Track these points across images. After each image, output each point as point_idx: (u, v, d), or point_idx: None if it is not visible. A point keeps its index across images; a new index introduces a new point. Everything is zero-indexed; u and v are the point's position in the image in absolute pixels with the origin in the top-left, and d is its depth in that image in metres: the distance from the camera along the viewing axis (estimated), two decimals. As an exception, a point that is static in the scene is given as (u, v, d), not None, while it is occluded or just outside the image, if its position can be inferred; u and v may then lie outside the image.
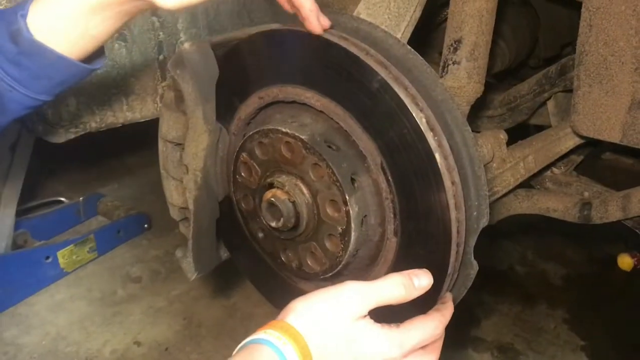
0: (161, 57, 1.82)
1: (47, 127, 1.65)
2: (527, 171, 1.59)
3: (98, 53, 1.09)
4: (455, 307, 1.07)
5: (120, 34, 1.69)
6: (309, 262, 1.23)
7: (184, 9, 0.96)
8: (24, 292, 2.51)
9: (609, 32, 1.37)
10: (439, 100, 1.05)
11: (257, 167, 1.23)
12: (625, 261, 2.72)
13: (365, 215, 1.14)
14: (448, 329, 1.00)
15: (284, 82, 1.16)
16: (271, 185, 1.18)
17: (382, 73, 1.02)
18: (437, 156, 1.00)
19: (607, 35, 1.38)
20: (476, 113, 1.92)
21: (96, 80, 1.69)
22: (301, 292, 1.36)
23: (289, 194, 1.16)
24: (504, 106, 1.86)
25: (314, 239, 1.19)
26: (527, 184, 1.71)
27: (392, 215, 1.10)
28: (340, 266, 1.17)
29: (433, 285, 1.03)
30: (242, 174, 1.27)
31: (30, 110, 1.08)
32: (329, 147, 1.12)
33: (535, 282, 2.65)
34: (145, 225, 3.03)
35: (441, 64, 1.43)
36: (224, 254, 1.51)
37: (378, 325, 0.89)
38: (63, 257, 2.61)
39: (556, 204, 1.71)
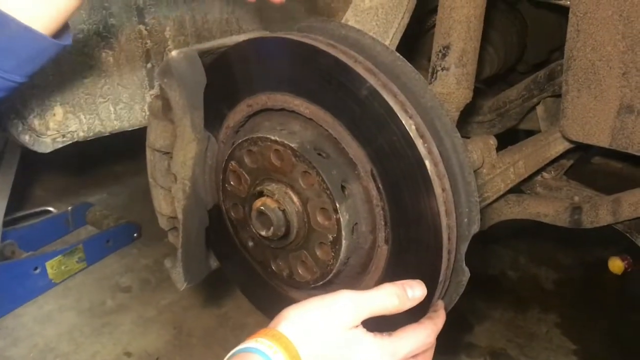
0: (149, 65, 1.81)
1: (33, 136, 1.63)
2: (517, 176, 1.59)
3: (63, 31, 1.08)
4: (448, 314, 1.07)
5: (107, 42, 1.68)
6: (299, 271, 1.22)
7: None
8: (11, 303, 2.47)
9: (597, 37, 1.38)
10: (428, 106, 1.04)
11: (246, 175, 1.22)
12: (616, 264, 2.73)
13: (356, 223, 1.13)
14: (440, 336, 0.99)
15: (272, 89, 1.16)
16: (261, 194, 1.17)
17: (371, 80, 1.01)
18: (427, 163, 0.99)
19: (595, 40, 1.38)
20: (465, 119, 1.92)
21: (83, 89, 1.67)
22: (292, 301, 1.35)
23: (278, 203, 1.15)
24: (493, 112, 1.87)
25: (304, 248, 1.18)
26: (517, 189, 1.71)
27: (382, 223, 1.09)
28: (332, 275, 1.16)
29: (422, 284, 1.02)
30: (231, 182, 1.26)
31: (3, 94, 1.04)
32: (319, 154, 1.11)
33: (527, 286, 2.66)
34: (135, 235, 3.00)
35: (430, 70, 1.43)
36: (214, 263, 1.49)
37: (370, 334, 0.88)
38: (52, 267, 2.58)
39: (547, 209, 1.71)
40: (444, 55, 1.38)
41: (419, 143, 1.00)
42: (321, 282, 1.19)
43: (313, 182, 1.10)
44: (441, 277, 1.06)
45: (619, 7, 1.30)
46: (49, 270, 2.57)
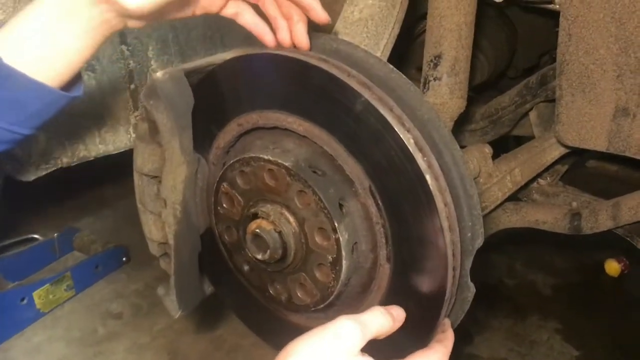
0: (132, 86, 1.77)
1: (16, 164, 1.57)
2: (514, 184, 1.57)
3: (74, 81, 1.04)
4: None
5: (88, 65, 1.63)
6: (298, 294, 1.18)
7: (153, 13, 0.92)
8: (-2, 337, 2.40)
9: (589, 41, 1.36)
10: (425, 119, 1.01)
11: (239, 197, 1.18)
12: (612, 267, 2.72)
13: (356, 242, 1.09)
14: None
15: (263, 107, 1.12)
16: (255, 216, 1.13)
17: (366, 94, 0.98)
18: (428, 177, 0.96)
19: (587, 44, 1.37)
20: (457, 127, 1.89)
21: (66, 113, 1.61)
22: (291, 325, 1.32)
23: (274, 224, 1.10)
24: (485, 119, 1.84)
25: (303, 270, 1.14)
26: (514, 197, 1.68)
27: (383, 241, 1.06)
28: (333, 297, 1.12)
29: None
30: (224, 205, 1.22)
31: (7, 146, 1.01)
32: (314, 172, 1.08)
33: (525, 293, 2.63)
34: (124, 259, 2.93)
35: (422, 80, 1.40)
36: (208, 288, 1.44)
37: None
38: (39, 297, 2.50)
39: (545, 216, 1.68)
40: (436, 65, 1.36)
41: (418, 157, 0.96)
42: (322, 305, 1.15)
43: (309, 202, 1.07)
44: (447, 295, 1.02)
45: (611, 10, 1.29)
46: (37, 300, 2.50)
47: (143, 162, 1.26)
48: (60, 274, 2.62)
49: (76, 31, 0.93)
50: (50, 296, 2.55)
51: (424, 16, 1.43)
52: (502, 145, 1.73)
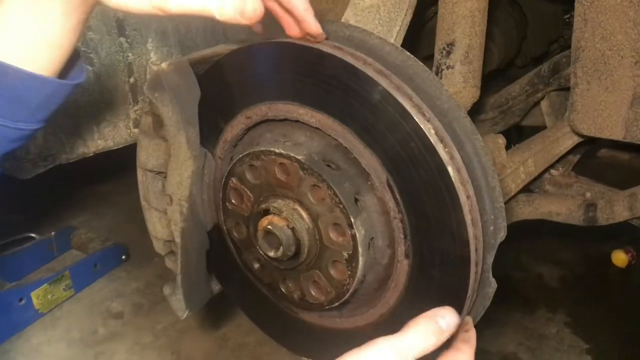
0: (132, 79, 1.71)
1: (13, 162, 1.52)
2: (528, 175, 1.53)
3: (72, 68, 0.98)
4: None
5: (86, 57, 1.57)
6: (312, 292, 1.13)
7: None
8: (-4, 338, 2.35)
9: (606, 26, 1.32)
10: (445, 108, 0.97)
11: (248, 192, 1.13)
12: (619, 258, 2.69)
13: (372, 238, 1.05)
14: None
15: (273, 98, 1.07)
16: (267, 212, 1.08)
17: (383, 83, 0.93)
18: (450, 169, 0.91)
19: (604, 29, 1.32)
20: (468, 118, 1.85)
21: (63, 108, 1.56)
22: (303, 323, 1.28)
23: (287, 220, 1.06)
24: (495, 109, 1.80)
25: (316, 267, 1.10)
26: (526, 188, 1.64)
27: (402, 236, 1.01)
28: (348, 294, 1.07)
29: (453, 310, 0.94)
30: (233, 200, 1.17)
31: (19, 143, 0.96)
32: (328, 166, 1.03)
33: (532, 286, 2.60)
34: (123, 257, 2.88)
35: (434, 69, 1.36)
36: (216, 287, 1.40)
37: None
38: (37, 297, 2.45)
39: (559, 208, 1.64)
40: (449, 53, 1.31)
41: (439, 148, 0.92)
42: (337, 303, 1.10)
43: (324, 197, 1.02)
44: (469, 292, 0.98)
45: (630, -7, 1.24)
46: (35, 301, 2.45)
47: (147, 157, 1.22)
48: (58, 273, 2.57)
49: (56, 15, 0.87)
50: (49, 296, 2.51)
51: (432, 1, 1.38)
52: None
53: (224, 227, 1.24)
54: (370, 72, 0.94)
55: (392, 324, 0.95)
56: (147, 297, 2.61)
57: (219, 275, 1.38)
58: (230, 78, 1.12)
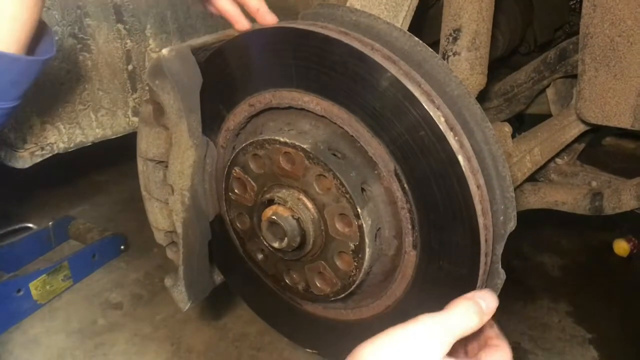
0: (130, 67, 1.68)
1: (10, 152, 1.49)
2: (534, 164, 1.50)
3: (39, 42, 0.96)
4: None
5: (83, 44, 1.54)
6: (317, 284, 1.11)
7: None
8: (-6, 329, 2.32)
9: (615, 12, 1.29)
10: (455, 95, 0.94)
11: (252, 182, 1.11)
12: (621, 246, 2.67)
13: (379, 228, 1.03)
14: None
15: (277, 86, 1.04)
16: (271, 202, 1.06)
17: (391, 69, 0.91)
18: (460, 158, 0.89)
19: (614, 15, 1.30)
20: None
21: (61, 96, 1.53)
22: (307, 315, 1.26)
23: (292, 210, 1.04)
24: (500, 97, 1.77)
25: (322, 258, 1.08)
26: (531, 177, 1.62)
27: (409, 227, 0.99)
28: (354, 286, 1.05)
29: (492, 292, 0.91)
30: (236, 190, 1.15)
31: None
32: (334, 155, 1.00)
33: (534, 275, 2.58)
34: (122, 247, 2.84)
35: (439, 55, 1.33)
36: (218, 278, 1.38)
37: None
38: (35, 288, 2.42)
39: (565, 197, 1.62)
40: (455, 39, 1.28)
41: (449, 136, 0.90)
42: (342, 294, 1.08)
43: (330, 186, 1.00)
44: (479, 283, 0.96)
45: (641, -23, 1.21)
46: (33, 291, 2.42)
47: (148, 146, 1.19)
48: (56, 263, 2.53)
49: None
50: (47, 287, 2.48)
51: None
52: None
53: (227, 218, 1.22)
54: (378, 58, 0.92)
55: (398, 315, 0.92)
56: (147, 288, 2.59)
57: (221, 266, 1.36)
58: (233, 65, 1.09)
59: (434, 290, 1.01)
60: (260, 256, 1.19)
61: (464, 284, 0.96)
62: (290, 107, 1.05)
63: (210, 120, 1.16)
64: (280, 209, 1.04)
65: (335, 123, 1.00)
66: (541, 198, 1.65)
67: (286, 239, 1.04)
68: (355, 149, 1.01)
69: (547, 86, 1.69)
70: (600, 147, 1.87)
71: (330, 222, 1.03)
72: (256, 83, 1.07)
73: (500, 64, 2.14)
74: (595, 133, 1.77)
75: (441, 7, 1.33)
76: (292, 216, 1.04)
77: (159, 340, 2.28)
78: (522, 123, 2.33)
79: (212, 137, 1.18)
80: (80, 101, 1.59)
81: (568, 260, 2.69)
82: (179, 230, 1.20)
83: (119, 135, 1.72)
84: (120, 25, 1.62)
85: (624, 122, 1.37)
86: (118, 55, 1.64)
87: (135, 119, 1.71)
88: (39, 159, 1.54)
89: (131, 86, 1.69)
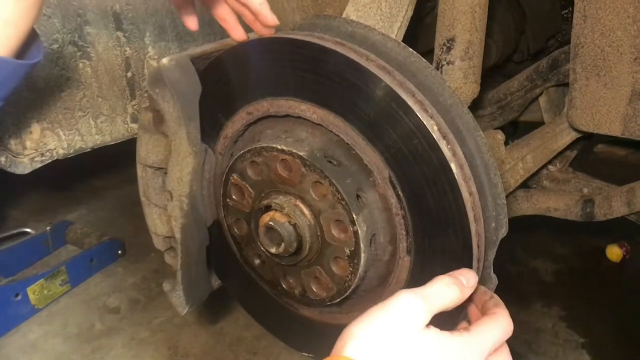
0: (129, 74, 1.70)
1: (10, 157, 1.51)
2: (526, 171, 1.53)
3: (29, 47, 0.98)
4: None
5: (83, 52, 1.56)
6: (313, 288, 1.14)
7: None
8: (-8, 334, 2.33)
9: (605, 22, 1.32)
10: (447, 104, 0.97)
11: (249, 188, 1.13)
12: (614, 252, 2.70)
13: (374, 234, 1.05)
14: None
15: (274, 94, 1.07)
16: (268, 208, 1.08)
17: (386, 79, 0.93)
18: (453, 166, 0.92)
19: (603, 26, 1.33)
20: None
21: (60, 103, 1.56)
22: (304, 319, 1.28)
23: (288, 216, 1.06)
24: (493, 104, 1.80)
25: (318, 263, 1.10)
26: (524, 184, 1.64)
27: (404, 232, 1.01)
28: (350, 291, 1.07)
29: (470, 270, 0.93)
30: (234, 196, 1.17)
31: None
32: (330, 162, 1.03)
33: (527, 280, 2.61)
34: (120, 252, 2.86)
35: (434, 64, 1.36)
36: (215, 282, 1.40)
37: (447, 332, 0.78)
38: (33, 292, 2.44)
39: (557, 203, 1.65)
40: (449, 49, 1.31)
41: (442, 145, 0.92)
42: (338, 299, 1.10)
43: (326, 193, 1.02)
44: (471, 287, 0.98)
45: (630, -10, 1.24)
46: (31, 296, 2.43)
47: (147, 153, 1.21)
48: (54, 268, 2.55)
49: None
50: (45, 291, 2.49)
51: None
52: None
53: (225, 223, 1.24)
54: (373, 68, 0.94)
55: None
56: (144, 292, 2.60)
57: (218, 271, 1.38)
58: (231, 74, 1.11)
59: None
60: (257, 261, 1.21)
61: (457, 289, 0.98)
62: (287, 115, 1.08)
63: (209, 128, 1.18)
64: (277, 215, 1.07)
65: (331, 131, 1.02)
66: (534, 204, 1.68)
67: (283, 244, 1.06)
68: (351, 157, 1.03)
69: (540, 94, 1.72)
70: (592, 154, 1.90)
71: (326, 228, 1.05)
72: (254, 92, 1.09)
73: (493, 72, 2.18)
74: (587, 140, 1.80)
75: (437, 16, 1.36)
76: (289, 222, 1.06)
77: (156, 344, 2.30)
78: (516, 130, 2.37)
79: (211, 144, 1.20)
80: (80, 108, 1.61)
81: (561, 266, 2.72)
82: (178, 235, 1.22)
83: (117, 142, 1.74)
84: (119, 33, 1.64)
85: (614, 130, 1.40)
86: (117, 63, 1.66)
87: (134, 126, 1.73)
88: (39, 165, 1.56)
89: (130, 93, 1.72)
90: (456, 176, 0.92)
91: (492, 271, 1.02)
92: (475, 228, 0.95)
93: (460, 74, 1.31)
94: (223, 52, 1.12)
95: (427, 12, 1.86)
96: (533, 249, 2.80)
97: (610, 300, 2.48)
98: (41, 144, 1.55)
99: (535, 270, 2.68)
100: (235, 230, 1.21)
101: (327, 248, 1.07)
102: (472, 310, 0.95)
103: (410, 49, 0.99)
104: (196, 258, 1.26)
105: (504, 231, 1.01)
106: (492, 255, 1.01)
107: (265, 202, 1.09)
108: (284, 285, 1.19)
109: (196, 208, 1.21)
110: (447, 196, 0.93)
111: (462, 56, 1.30)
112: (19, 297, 2.39)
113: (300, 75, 1.02)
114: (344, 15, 1.22)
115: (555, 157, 1.72)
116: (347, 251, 1.03)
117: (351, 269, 1.05)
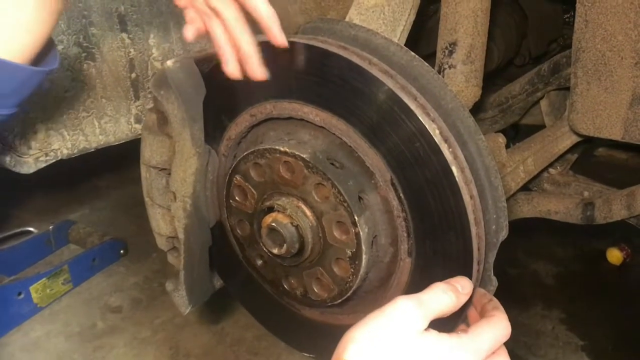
0: (133, 75, 1.71)
1: (14, 157, 1.52)
2: (527, 174, 1.54)
3: (46, 54, 0.99)
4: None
5: (88, 53, 1.57)
6: (315, 289, 1.14)
7: None
8: (-5, 332, 2.35)
9: (607, 27, 1.33)
10: (449, 108, 0.98)
11: (252, 190, 1.14)
12: (614, 255, 2.71)
13: (376, 236, 1.06)
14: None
15: (278, 97, 1.08)
16: (271, 209, 1.09)
17: (388, 82, 0.95)
18: (454, 169, 0.93)
19: (605, 30, 1.34)
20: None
21: (65, 103, 1.57)
22: (305, 320, 1.29)
23: (291, 218, 1.07)
24: (495, 108, 1.81)
25: (319, 264, 1.11)
26: (525, 187, 1.65)
27: (405, 235, 1.02)
28: (351, 292, 1.08)
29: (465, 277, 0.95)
30: (236, 198, 1.18)
31: None
32: (332, 164, 1.04)
33: (527, 283, 2.62)
34: (122, 251, 2.88)
35: (436, 68, 1.37)
36: (218, 282, 1.41)
37: (446, 334, 0.79)
38: (36, 291, 2.45)
39: (557, 206, 1.66)
40: (451, 52, 1.32)
41: (444, 148, 0.93)
42: (339, 300, 1.11)
43: (328, 195, 1.03)
44: (471, 290, 0.99)
45: (631, -5, 1.25)
46: (34, 295, 2.45)
47: (151, 154, 1.22)
48: (57, 267, 2.56)
49: (33, 1, 0.88)
50: (48, 290, 2.51)
51: (431, 0, 1.39)
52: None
53: (227, 224, 1.25)
54: (376, 72, 0.95)
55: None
56: (146, 292, 2.62)
57: (221, 272, 1.39)
58: (235, 76, 1.12)
59: (428, 296, 1.04)
60: (259, 262, 1.22)
61: (458, 291, 0.99)
62: (290, 118, 1.09)
63: (213, 129, 1.19)
64: (280, 216, 1.08)
65: (334, 133, 1.03)
66: (534, 207, 1.69)
67: (285, 245, 1.07)
68: (353, 159, 1.04)
69: (541, 98, 1.73)
70: (593, 157, 1.91)
71: (328, 230, 1.06)
72: (257, 94, 1.10)
73: (495, 76, 2.19)
74: (587, 144, 1.81)
75: (439, 20, 1.37)
76: (291, 223, 1.07)
77: (157, 343, 2.31)
78: (517, 133, 2.38)
79: (214, 145, 1.21)
80: (84, 108, 1.62)
81: (562, 268, 2.72)
82: (181, 236, 1.23)
83: (121, 142, 1.75)
84: (124, 35, 1.65)
85: (615, 134, 1.41)
86: (122, 64, 1.67)
87: (138, 126, 1.74)
88: (43, 165, 1.57)
89: (134, 94, 1.73)
90: (457, 179, 0.93)
91: (492, 273, 1.03)
92: (475, 231, 0.96)
93: (462, 77, 1.32)
94: (227, 54, 1.13)
95: (429, 16, 1.87)
96: (533, 252, 2.81)
97: (611, 303, 2.49)
98: (45, 144, 1.56)
99: (536, 272, 2.69)
100: (238, 231, 1.22)
101: (328, 249, 1.08)
102: (471, 312, 0.97)
103: (413, 53, 1.00)
104: (199, 258, 1.27)
105: (504, 234, 1.02)
106: (492, 258, 1.02)
107: (267, 203, 1.10)
108: (285, 286, 1.20)
109: (199, 209, 1.23)
110: (448, 199, 0.94)
111: (464, 60, 1.31)
112: (22, 296, 2.41)
113: (303, 78, 1.03)
114: (347, 19, 1.23)
115: (556, 160, 1.73)
116: (349, 252, 1.04)
117: (352, 270, 1.06)
